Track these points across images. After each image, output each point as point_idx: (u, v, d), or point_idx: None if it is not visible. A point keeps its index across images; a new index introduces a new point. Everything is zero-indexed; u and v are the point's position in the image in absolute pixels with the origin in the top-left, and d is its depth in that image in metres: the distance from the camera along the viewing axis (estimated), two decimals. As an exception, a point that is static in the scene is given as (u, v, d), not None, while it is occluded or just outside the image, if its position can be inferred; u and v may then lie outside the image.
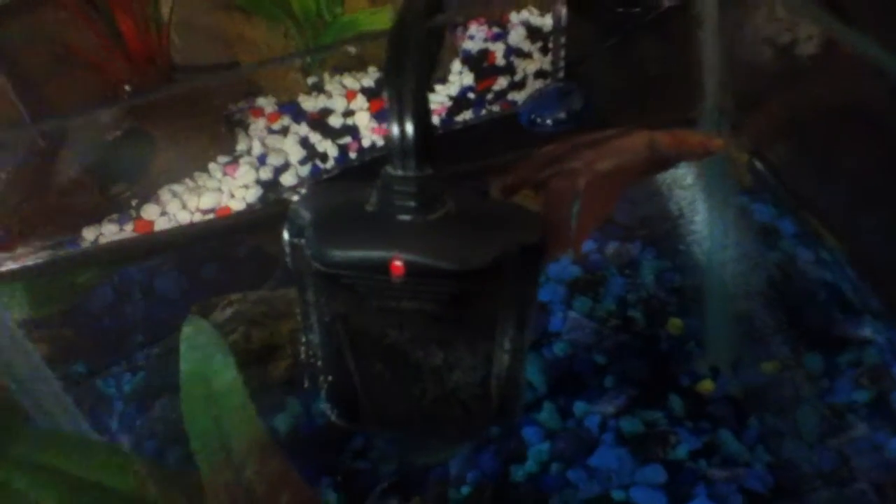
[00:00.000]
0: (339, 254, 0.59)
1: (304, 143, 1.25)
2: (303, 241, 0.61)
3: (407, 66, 0.56)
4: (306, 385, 0.72)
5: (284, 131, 1.28)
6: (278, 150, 1.24)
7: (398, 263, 0.57)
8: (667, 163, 0.76)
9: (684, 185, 0.85)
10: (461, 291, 0.58)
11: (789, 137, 0.86)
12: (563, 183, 0.70)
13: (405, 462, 0.74)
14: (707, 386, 0.73)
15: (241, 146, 1.27)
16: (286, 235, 0.63)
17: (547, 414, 0.74)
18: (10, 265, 0.96)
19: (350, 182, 0.65)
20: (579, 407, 0.74)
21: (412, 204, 0.57)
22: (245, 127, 1.30)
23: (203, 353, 0.67)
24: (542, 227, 0.61)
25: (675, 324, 0.78)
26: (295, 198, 0.64)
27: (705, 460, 0.68)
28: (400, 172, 0.57)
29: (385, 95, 0.56)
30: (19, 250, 1.00)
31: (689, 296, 0.80)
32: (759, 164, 0.86)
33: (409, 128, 0.56)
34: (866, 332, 0.74)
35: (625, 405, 0.73)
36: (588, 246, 0.85)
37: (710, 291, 0.79)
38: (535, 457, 0.71)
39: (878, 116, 0.73)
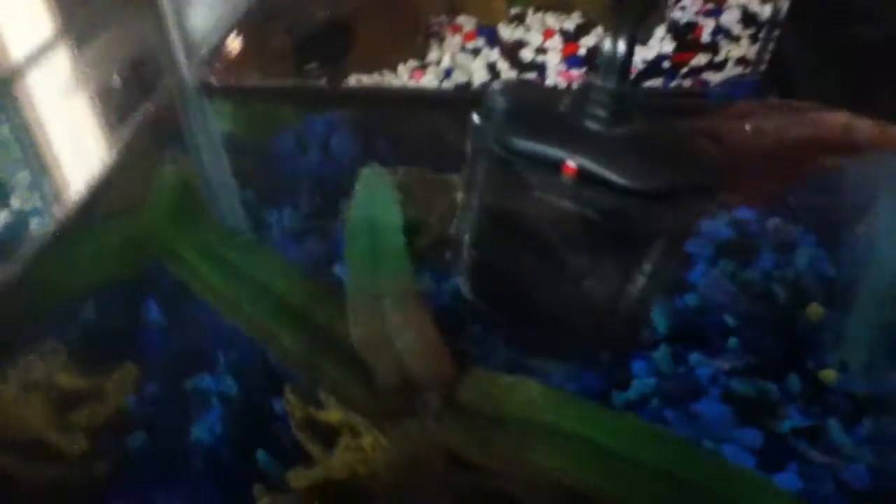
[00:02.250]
0: (521, 142, 0.63)
1: (491, 68, 1.29)
2: (490, 123, 0.65)
3: None
4: (447, 258, 0.77)
5: (476, 52, 1.32)
6: (465, 68, 1.29)
7: (572, 165, 0.60)
8: (859, 149, 0.74)
9: (869, 179, 0.82)
10: (623, 207, 0.61)
11: None
12: (749, 139, 0.70)
13: (513, 360, 0.78)
14: (830, 375, 0.72)
15: (431, 56, 1.32)
16: (475, 116, 0.67)
17: (661, 355, 0.75)
18: (228, 83, 1.05)
19: (550, 86, 0.68)
20: (695, 357, 0.75)
21: (602, 114, 0.60)
22: (440, 40, 1.35)
23: (375, 194, 0.72)
24: (717, 174, 0.62)
25: (815, 310, 0.77)
26: (495, 85, 0.68)
27: (807, 442, 0.68)
28: (600, 82, 0.60)
29: (610, 8, 0.59)
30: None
31: (839, 289, 0.78)
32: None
33: (623, 44, 0.58)
34: None
35: (741, 368, 0.73)
36: (748, 214, 0.84)
37: (864, 290, 0.77)
38: (639, 388, 0.73)
39: None
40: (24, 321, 0.81)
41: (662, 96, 1.19)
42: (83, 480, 0.74)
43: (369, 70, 1.29)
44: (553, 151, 0.62)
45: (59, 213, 0.90)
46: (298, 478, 0.70)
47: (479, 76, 1.28)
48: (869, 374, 0.73)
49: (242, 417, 0.78)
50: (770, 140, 0.68)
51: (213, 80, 1.05)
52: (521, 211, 0.65)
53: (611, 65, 0.60)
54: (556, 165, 0.62)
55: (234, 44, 1.19)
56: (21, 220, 1.03)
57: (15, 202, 1.05)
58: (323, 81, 1.24)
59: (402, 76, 1.29)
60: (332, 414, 0.73)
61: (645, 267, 0.63)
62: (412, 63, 1.31)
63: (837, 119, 0.70)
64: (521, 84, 0.72)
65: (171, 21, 0.91)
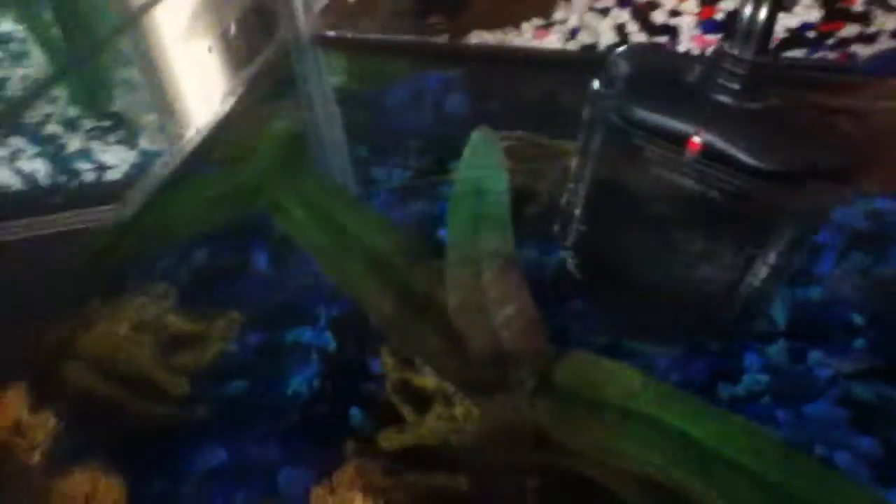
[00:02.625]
0: (643, 113, 0.59)
1: (620, 29, 1.23)
2: (610, 90, 0.61)
3: None
4: (555, 230, 0.75)
5: (605, 12, 1.26)
6: (592, 29, 1.23)
7: (697, 140, 0.56)
8: None
9: None
10: (749, 189, 0.56)
11: None
12: (887, 120, 0.64)
13: (614, 341, 0.75)
14: (966, 388, 0.66)
15: (558, 14, 1.27)
16: (595, 82, 0.63)
17: (777, 350, 0.71)
18: (343, 35, 1.05)
19: (679, 52, 0.63)
20: (814, 356, 0.70)
21: (735, 86, 0.56)
22: None
23: (483, 159, 0.70)
24: (853, 156, 0.57)
25: (955, 315, 0.71)
26: (618, 49, 0.64)
27: (930, 458, 0.63)
28: (735, 51, 0.55)
29: None
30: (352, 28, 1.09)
31: None
32: None
33: (763, 12, 0.53)
34: None
35: (865, 370, 0.68)
36: (887, 205, 0.77)
37: None
38: (749, 383, 0.69)
39: None
40: (137, 262, 0.84)
41: (804, 69, 1.10)
42: (184, 420, 0.77)
43: (492, 27, 1.26)
44: (677, 125, 0.58)
45: (176, 157, 0.92)
46: (390, 439, 0.70)
47: (607, 38, 1.22)
48: None
49: (339, 374, 0.79)
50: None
51: (329, 32, 1.04)
52: (637, 186, 0.62)
53: (749, 32, 0.55)
54: (680, 140, 0.58)
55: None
56: (148, 160, 1.06)
57: (144, 142, 1.09)
58: (445, 37, 1.22)
59: (526, 34, 1.24)
60: (427, 380, 0.72)
61: (768, 255, 0.59)
62: (537, 21, 1.27)
63: None
64: (647, 49, 0.68)
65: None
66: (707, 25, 1.19)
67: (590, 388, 0.61)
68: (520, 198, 0.85)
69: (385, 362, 0.75)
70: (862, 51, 1.10)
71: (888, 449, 0.63)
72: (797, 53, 1.13)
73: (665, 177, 0.60)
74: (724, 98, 0.57)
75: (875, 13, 1.13)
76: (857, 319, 0.71)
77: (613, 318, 0.73)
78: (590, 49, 1.20)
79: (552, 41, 1.21)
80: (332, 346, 0.80)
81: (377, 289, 0.69)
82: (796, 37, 1.15)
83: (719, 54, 0.57)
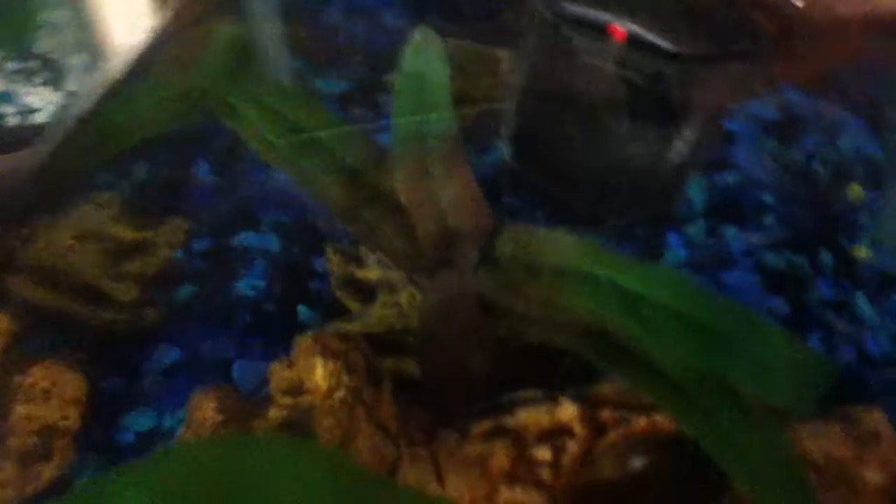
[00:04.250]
0: (570, 6, 0.63)
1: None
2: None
3: None
4: (495, 124, 0.78)
5: None
6: None
7: (620, 29, 0.60)
8: None
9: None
10: (668, 71, 0.61)
11: None
12: (799, 13, 0.69)
13: (558, 220, 0.79)
14: (862, 252, 0.73)
15: None
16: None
17: (696, 229, 0.76)
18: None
19: None
20: (730, 231, 0.75)
21: (657, -21, 0.60)
22: None
23: (425, 54, 0.73)
24: (764, 44, 0.61)
25: (855, 190, 0.77)
26: None
27: (833, 312, 0.69)
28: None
29: None
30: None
31: (882, 173, 0.78)
32: None
33: None
34: None
35: (775, 243, 0.74)
36: (796, 97, 0.83)
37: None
38: (671, 258, 0.74)
39: None
40: (81, 173, 0.85)
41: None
42: (135, 326, 0.78)
43: None
44: (601, 15, 0.62)
45: (115, 71, 0.92)
46: (336, 331, 0.72)
47: None
48: (902, 254, 0.73)
49: (285, 274, 0.81)
50: (823, 17, 0.67)
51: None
52: (567, 76, 0.66)
53: None
54: (604, 29, 0.62)
55: None
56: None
57: (71, 85, 1.07)
58: None
59: None
60: (371, 272, 0.75)
61: (686, 133, 0.64)
62: None
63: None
64: None
65: None
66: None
67: (527, 254, 0.65)
68: (459, 102, 0.88)
69: (330, 259, 0.78)
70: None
71: (794, 306, 0.70)
72: None
73: (592, 65, 0.64)
74: None
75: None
76: (768, 199, 0.77)
77: (548, 204, 0.77)
78: None
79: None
80: (277, 247, 0.82)
81: (328, 180, 0.71)
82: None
83: None
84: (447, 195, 0.68)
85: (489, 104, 0.86)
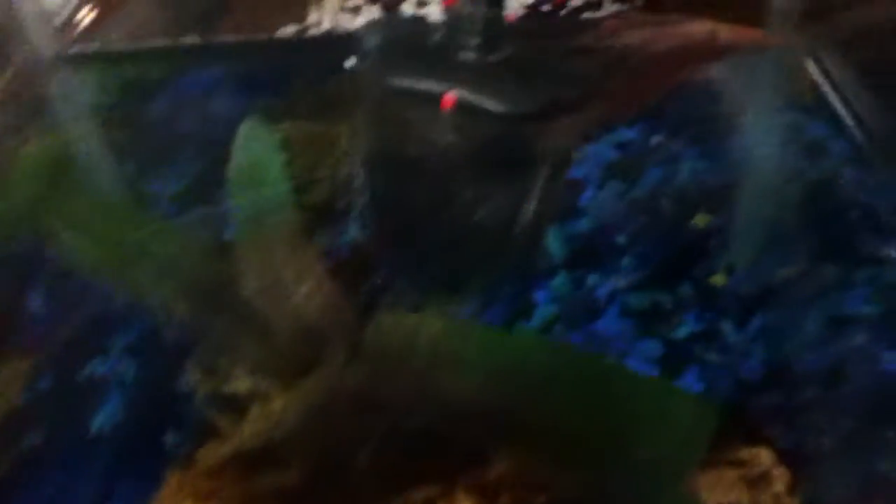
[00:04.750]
0: (397, 80, 0.62)
1: (371, 27, 1.26)
2: (366, 65, 0.64)
3: None
4: (344, 207, 0.76)
5: (356, 10, 1.28)
6: (347, 29, 1.25)
7: (450, 97, 0.60)
8: (724, 54, 0.77)
9: (740, 88, 0.85)
10: (504, 133, 0.61)
11: (855, 54, 0.85)
12: (617, 55, 0.71)
13: (423, 297, 0.77)
14: (719, 280, 0.75)
15: (311, 18, 1.28)
16: (351, 59, 0.66)
17: (560, 281, 0.76)
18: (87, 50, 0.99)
19: (422, 19, 0.67)
20: (592, 278, 0.76)
21: (474, 42, 0.60)
22: (318, 0, 1.31)
23: (257, 145, 0.70)
24: (590, 91, 0.63)
25: (702, 219, 0.79)
26: (365, 24, 0.66)
27: (703, 344, 0.71)
28: (469, 9, 0.59)
29: None
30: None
31: (723, 197, 0.81)
32: (823, 78, 0.85)
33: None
34: (891, 252, 0.75)
35: (636, 283, 0.75)
36: (631, 134, 0.86)
37: (743, 193, 0.80)
38: (542, 315, 0.74)
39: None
40: None
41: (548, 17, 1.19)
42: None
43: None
44: (430, 85, 0.61)
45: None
46: (210, 454, 0.68)
47: None
48: (755, 271, 0.76)
49: (145, 401, 0.75)
50: (639, 54, 0.70)
51: (74, 48, 0.98)
52: (406, 147, 0.65)
53: None
54: (435, 99, 0.61)
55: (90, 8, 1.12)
56: None
57: None
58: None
59: None
60: (240, 383, 0.71)
61: (532, 192, 0.64)
62: (291, 27, 1.27)
63: (701, 28, 0.72)
64: (393, 20, 0.71)
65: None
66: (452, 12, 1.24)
67: (396, 344, 0.63)
68: (304, 185, 0.85)
69: (192, 377, 0.73)
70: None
71: (667, 345, 0.70)
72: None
73: (431, 135, 0.63)
74: (467, 54, 0.61)
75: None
76: (622, 240, 0.79)
77: (409, 279, 0.75)
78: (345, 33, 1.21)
79: (309, 45, 1.22)
80: (133, 372, 0.76)
81: (171, 294, 0.67)
82: (533, 12, 1.23)
83: (457, 14, 0.61)
84: (301, 293, 0.66)
85: (336, 183, 0.84)
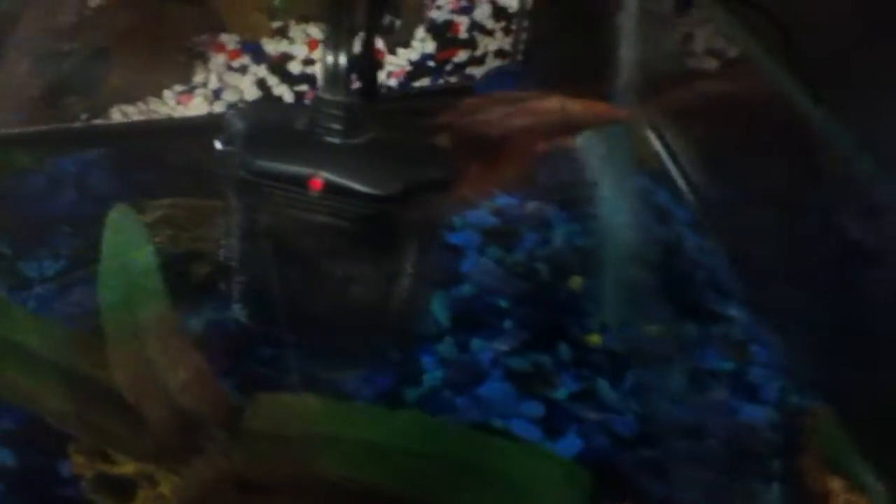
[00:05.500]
0: (265, 164, 0.64)
1: (262, 84, 1.26)
2: (233, 149, 0.66)
3: (349, 2, 0.61)
4: (223, 287, 0.77)
5: (243, 70, 1.28)
6: (234, 88, 1.25)
7: (316, 180, 0.62)
8: (576, 127, 0.83)
9: (599, 156, 0.92)
10: (371, 213, 0.64)
11: (692, 128, 0.94)
12: (476, 132, 0.76)
13: (307, 374, 0.79)
14: (595, 339, 0.80)
15: (198, 78, 1.27)
16: (218, 142, 0.67)
17: (446, 346, 0.79)
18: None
19: (287, 104, 0.70)
20: (476, 343, 0.79)
21: (337, 127, 0.63)
22: (205, 60, 1.30)
23: (125, 234, 0.70)
24: (453, 168, 0.67)
25: (575, 281, 0.85)
26: (230, 110, 0.68)
27: (581, 403, 0.75)
28: (329, 96, 0.62)
29: (325, 25, 0.61)
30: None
31: (593, 258, 0.87)
32: (662, 149, 0.94)
33: (342, 57, 0.60)
34: (732, 311, 0.83)
35: (518, 346, 0.79)
36: (507, 201, 0.90)
37: (607, 257, 0.86)
38: (429, 381, 0.77)
39: (771, 130, 0.81)
40: None
41: (420, 96, 1.23)
42: None
43: (133, 99, 1.22)
44: (296, 169, 0.64)
45: None
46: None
47: (251, 94, 1.25)
48: (624, 330, 0.81)
49: (25, 489, 0.73)
50: (498, 130, 0.75)
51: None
52: (278, 230, 0.67)
53: (334, 77, 0.62)
54: (302, 182, 0.64)
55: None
56: None
57: None
58: (83, 118, 1.16)
59: (169, 101, 1.23)
60: (126, 466, 0.70)
61: (405, 267, 0.67)
62: (178, 87, 1.26)
63: (553, 104, 0.78)
64: (259, 105, 0.74)
65: None
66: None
67: (274, 425, 0.64)
68: (185, 264, 0.85)
69: (75, 462, 0.71)
70: (476, 71, 1.26)
71: (547, 405, 0.75)
72: (424, 82, 1.25)
73: (302, 217, 0.65)
74: (331, 138, 0.63)
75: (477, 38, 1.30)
76: (503, 303, 0.83)
77: (299, 354, 0.77)
78: (214, 114, 1.21)
79: (197, 104, 1.21)
80: (11, 460, 0.74)
81: (40, 387, 0.65)
82: (419, 68, 1.28)
83: (317, 100, 0.64)
84: (173, 381, 0.66)
85: (212, 261, 0.84)
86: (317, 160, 0.63)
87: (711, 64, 0.89)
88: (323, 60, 0.60)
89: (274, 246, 0.67)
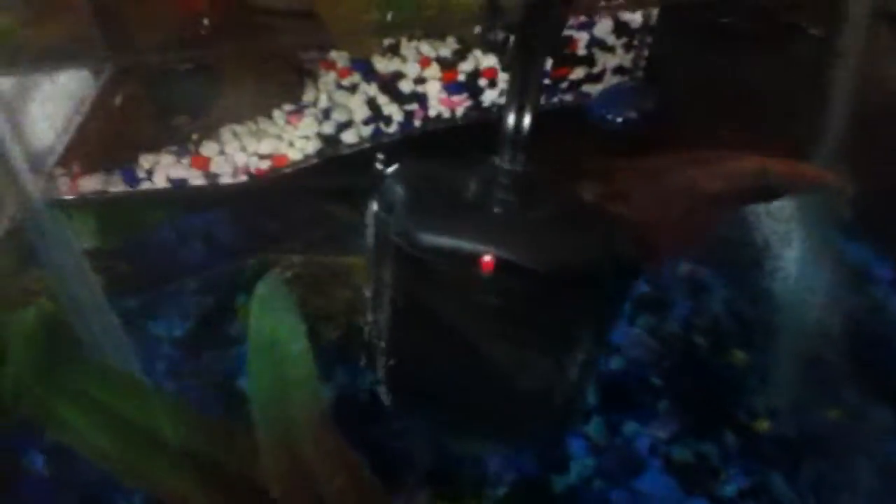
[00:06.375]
0: (430, 238, 0.57)
1: (371, 103, 1.23)
2: (391, 216, 0.59)
3: (537, 58, 0.55)
4: (363, 363, 0.72)
5: (353, 88, 1.26)
6: (344, 107, 1.23)
7: (489, 259, 0.55)
8: (776, 193, 0.74)
9: (777, 215, 0.83)
10: (547, 295, 0.57)
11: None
12: (662, 200, 0.68)
13: (443, 451, 0.73)
14: (763, 425, 0.71)
15: (307, 97, 1.25)
16: (374, 207, 0.61)
17: (595, 428, 0.73)
18: (80, 191, 0.96)
19: (446, 162, 0.64)
20: (630, 426, 0.72)
21: (513, 199, 0.56)
22: (314, 78, 1.28)
23: (276, 315, 0.66)
24: (638, 245, 0.59)
25: (738, 356, 0.76)
26: (388, 170, 0.62)
27: (753, 500, 0.67)
28: (507, 165, 0.56)
29: (508, 84, 0.55)
30: (86, 179, 1.00)
31: (759, 330, 0.78)
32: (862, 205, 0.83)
33: (527, 121, 0.54)
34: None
35: (677, 432, 0.71)
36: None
37: (782, 328, 0.77)
38: (579, 470, 0.70)
39: None
40: None
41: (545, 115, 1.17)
42: None
43: (243, 119, 1.21)
44: (465, 245, 0.57)
45: None
46: None
47: (360, 113, 1.22)
48: (799, 414, 0.73)
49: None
50: (683, 198, 0.67)
51: (67, 193, 0.94)
52: (438, 310, 0.60)
53: (516, 144, 0.55)
54: (471, 259, 0.57)
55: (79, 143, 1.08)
56: None
57: None
58: (194, 137, 1.15)
59: (279, 122, 1.22)
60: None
61: (577, 356, 0.60)
62: (288, 106, 1.24)
63: (750, 166, 0.69)
64: (415, 165, 0.67)
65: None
66: (452, 88, 1.23)
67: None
68: (315, 326, 0.81)
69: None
70: (592, 89, 1.19)
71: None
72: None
73: (464, 295, 0.59)
74: (503, 211, 0.57)
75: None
76: (656, 381, 0.75)
77: (441, 438, 0.71)
78: (334, 144, 1.18)
79: (307, 124, 1.19)
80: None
81: (179, 483, 0.62)
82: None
83: (490, 168, 0.57)
84: (326, 480, 0.61)
85: (352, 319, 0.80)
86: (487, 236, 0.56)
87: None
88: (503, 122, 0.54)
89: (429, 326, 0.61)
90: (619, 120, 1.14)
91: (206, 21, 1.24)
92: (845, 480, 0.68)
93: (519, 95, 0.53)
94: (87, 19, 1.23)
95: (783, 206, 0.80)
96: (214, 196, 0.99)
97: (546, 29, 0.55)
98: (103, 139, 1.14)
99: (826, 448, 0.70)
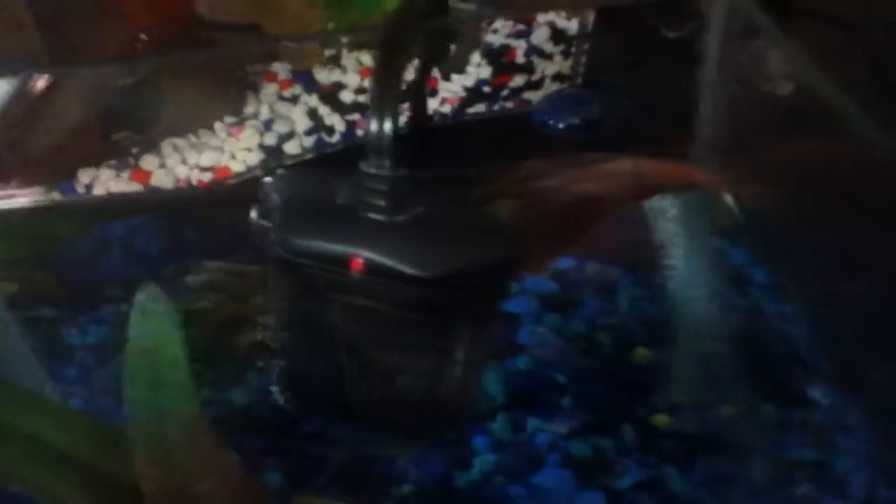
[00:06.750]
0: (302, 242, 0.59)
1: (313, 114, 1.25)
2: (268, 222, 0.61)
3: (395, 67, 0.56)
4: (262, 365, 0.73)
5: (295, 100, 1.28)
6: (286, 118, 1.24)
7: (359, 260, 0.57)
8: (650, 192, 0.76)
9: (670, 216, 0.85)
10: (419, 296, 0.58)
11: (774, 188, 0.85)
12: (540, 199, 0.70)
13: (355, 453, 0.74)
14: (662, 420, 0.73)
15: (249, 109, 1.27)
16: (254, 215, 0.63)
17: (500, 425, 0.74)
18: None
19: (324, 170, 0.65)
20: (532, 423, 0.74)
21: (382, 203, 0.57)
22: (256, 90, 1.30)
23: (152, 322, 0.67)
24: (515, 244, 0.60)
25: (641, 354, 0.78)
26: (267, 178, 0.64)
27: (647, 494, 0.68)
28: (373, 170, 0.57)
29: (369, 93, 0.56)
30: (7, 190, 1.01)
31: (660, 328, 0.80)
32: (740, 209, 0.85)
33: (388, 126, 0.55)
34: (815, 394, 0.74)
35: (577, 428, 0.73)
36: (567, 263, 0.85)
37: (679, 328, 0.78)
38: (481, 466, 0.71)
39: (861, 188, 0.72)
40: None
41: (487, 123, 1.19)
42: None
43: (183, 132, 1.22)
44: (338, 248, 0.58)
45: None
46: None
47: (302, 125, 1.24)
48: (697, 410, 0.74)
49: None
50: (563, 198, 0.68)
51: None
52: (318, 313, 0.62)
53: (380, 149, 0.57)
54: (344, 263, 0.58)
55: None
56: None
57: None
58: (135, 150, 1.16)
59: (220, 134, 1.23)
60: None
61: (457, 354, 0.61)
62: (229, 119, 1.25)
63: (625, 166, 0.71)
64: (292, 173, 0.69)
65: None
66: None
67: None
68: (230, 331, 0.82)
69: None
70: (533, 96, 1.21)
71: (610, 497, 0.68)
72: (479, 108, 1.21)
73: (342, 298, 0.60)
74: (374, 215, 0.58)
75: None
76: (561, 378, 0.77)
77: (350, 435, 0.73)
78: (276, 155, 1.19)
79: (248, 136, 1.20)
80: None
81: (64, 489, 0.62)
82: (475, 93, 1.24)
83: (360, 174, 0.59)
84: (204, 486, 0.62)
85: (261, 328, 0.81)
86: (359, 239, 0.57)
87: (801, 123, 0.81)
88: (366, 129, 0.55)
89: (313, 328, 0.62)
90: (561, 126, 1.15)
91: (143, 36, 1.26)
92: (736, 473, 0.70)
93: (379, 102, 0.55)
94: (32, 32, 1.25)
95: (673, 207, 0.82)
96: (132, 204, 1.00)
97: (404, 40, 0.57)
98: (41, 153, 1.15)
99: (719, 443, 0.72)
